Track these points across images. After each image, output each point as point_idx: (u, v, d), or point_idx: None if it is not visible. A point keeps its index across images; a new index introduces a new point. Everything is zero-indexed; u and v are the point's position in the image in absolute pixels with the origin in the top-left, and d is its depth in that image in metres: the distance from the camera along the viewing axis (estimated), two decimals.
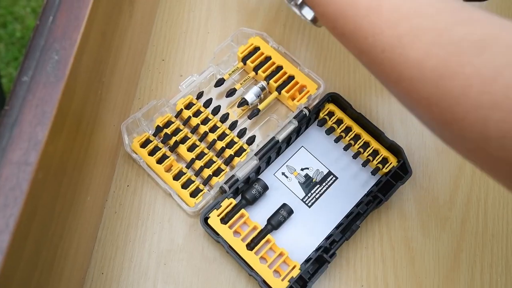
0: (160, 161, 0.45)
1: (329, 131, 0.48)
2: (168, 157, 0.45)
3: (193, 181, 0.44)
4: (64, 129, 0.32)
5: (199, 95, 0.48)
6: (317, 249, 0.43)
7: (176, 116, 0.47)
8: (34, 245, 0.30)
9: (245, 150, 0.46)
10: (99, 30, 0.36)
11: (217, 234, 0.41)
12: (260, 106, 0.48)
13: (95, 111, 0.39)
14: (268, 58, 0.50)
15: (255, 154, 0.45)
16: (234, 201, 0.43)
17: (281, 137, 0.46)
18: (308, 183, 0.46)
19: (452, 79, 0.26)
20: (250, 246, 0.42)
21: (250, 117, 0.48)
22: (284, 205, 0.44)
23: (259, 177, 0.45)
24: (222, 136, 0.46)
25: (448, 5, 0.28)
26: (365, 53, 0.30)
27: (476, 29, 0.26)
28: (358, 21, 0.30)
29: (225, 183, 0.43)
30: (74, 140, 0.35)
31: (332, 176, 0.46)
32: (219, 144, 0.46)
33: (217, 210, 0.42)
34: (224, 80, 0.49)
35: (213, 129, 0.47)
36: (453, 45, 0.26)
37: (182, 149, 0.46)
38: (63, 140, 0.32)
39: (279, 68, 0.49)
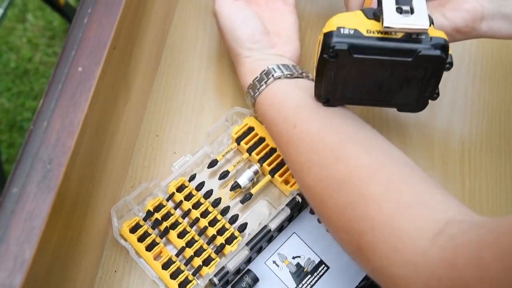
0: (149, 248, 0.44)
1: None
2: (158, 243, 0.44)
3: (182, 271, 0.43)
4: (52, 240, 0.32)
5: (192, 178, 0.48)
6: None
7: (168, 199, 0.47)
8: None
9: (236, 237, 0.45)
10: (93, 129, 0.36)
11: None
12: (253, 190, 0.48)
13: (85, 206, 0.38)
14: (262, 140, 0.50)
15: (247, 244, 0.44)
16: None
17: (273, 225, 0.45)
18: (299, 273, 0.45)
19: (325, 205, 0.37)
20: None
21: (242, 202, 0.47)
22: None
23: (249, 268, 0.44)
24: (213, 222, 0.46)
25: (332, 141, 0.39)
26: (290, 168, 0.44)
27: (341, 167, 0.37)
28: (281, 146, 0.43)
29: (215, 275, 0.43)
30: (61, 246, 0.34)
31: (323, 265, 0.46)
32: (211, 231, 0.45)
33: None
34: (217, 161, 0.49)
35: (205, 213, 0.46)
36: (327, 181, 0.37)
37: (173, 235, 0.45)
38: (51, 252, 0.32)
39: (273, 150, 0.49)
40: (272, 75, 0.44)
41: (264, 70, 0.45)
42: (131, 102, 0.46)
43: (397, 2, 0.37)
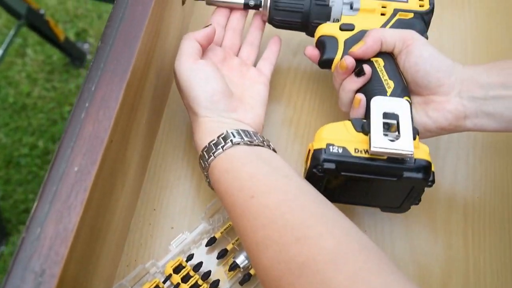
0: None
1: None
2: None
3: None
4: None
5: (189, 257, 0.47)
6: None
7: (165, 281, 0.45)
8: None
9: None
10: (88, 229, 0.35)
11: None
12: (252, 271, 0.46)
13: None
14: None
15: None
16: None
17: None
18: None
19: None
20: None
21: (241, 283, 0.46)
22: None
23: None
24: None
25: (292, 218, 0.35)
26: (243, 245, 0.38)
27: (302, 249, 0.33)
28: (235, 219, 0.38)
29: None
30: None
31: None
32: None
33: None
34: (216, 239, 0.48)
35: None
36: (286, 263, 0.33)
37: None
38: None
39: None
40: (231, 140, 0.41)
41: (222, 134, 0.42)
42: (128, 184, 0.45)
43: (384, 117, 0.39)
